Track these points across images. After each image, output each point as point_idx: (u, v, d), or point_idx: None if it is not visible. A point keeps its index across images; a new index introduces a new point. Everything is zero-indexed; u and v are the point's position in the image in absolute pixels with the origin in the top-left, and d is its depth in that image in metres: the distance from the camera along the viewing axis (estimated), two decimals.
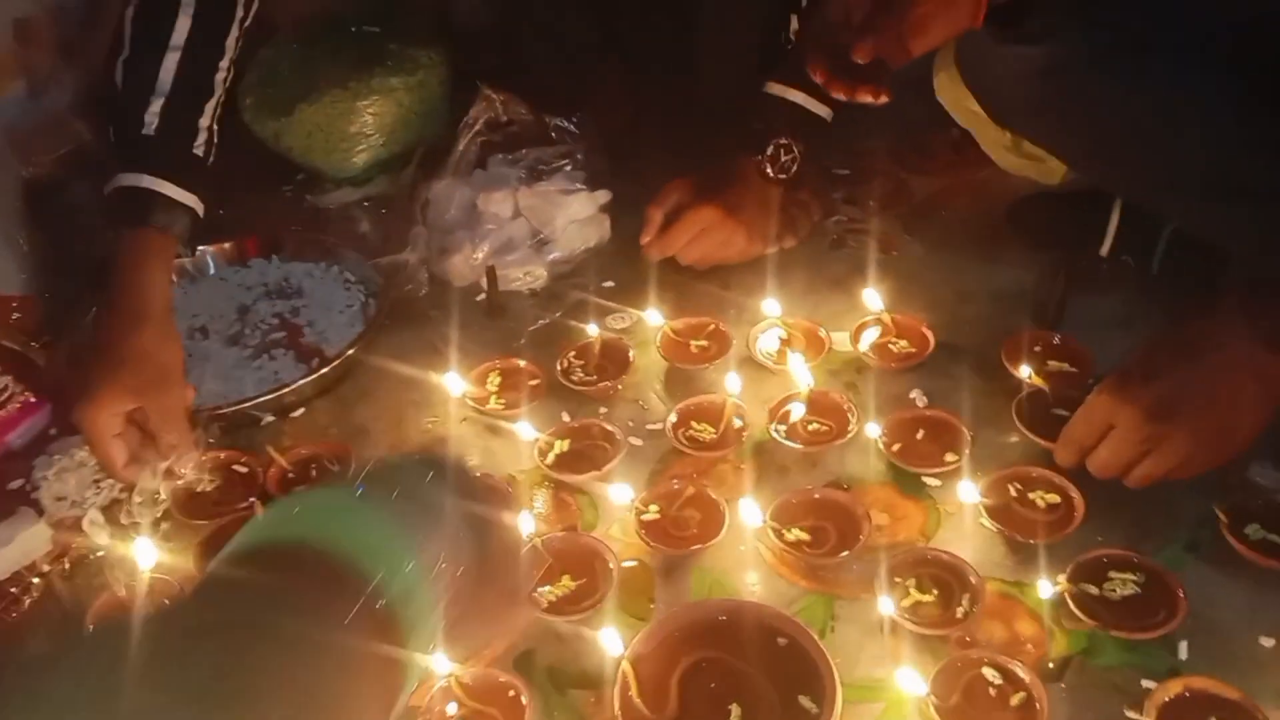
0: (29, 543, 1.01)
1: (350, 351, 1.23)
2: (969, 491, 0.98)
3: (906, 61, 1.00)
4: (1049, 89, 1.14)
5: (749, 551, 0.98)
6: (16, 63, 1.75)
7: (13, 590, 0.99)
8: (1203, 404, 0.89)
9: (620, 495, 1.01)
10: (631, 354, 1.20)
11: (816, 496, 0.99)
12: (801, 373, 1.11)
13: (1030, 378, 1.08)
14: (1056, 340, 1.14)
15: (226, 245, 1.43)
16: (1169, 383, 0.90)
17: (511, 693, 0.84)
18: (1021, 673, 0.81)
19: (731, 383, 1.12)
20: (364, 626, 0.52)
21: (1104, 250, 1.27)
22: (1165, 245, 1.23)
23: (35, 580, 1.00)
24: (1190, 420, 0.89)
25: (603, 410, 1.16)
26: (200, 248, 1.40)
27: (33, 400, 1.17)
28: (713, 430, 1.09)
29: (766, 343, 1.20)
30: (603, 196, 1.43)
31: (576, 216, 1.40)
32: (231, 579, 0.54)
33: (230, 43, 1.18)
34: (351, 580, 0.53)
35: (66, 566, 1.02)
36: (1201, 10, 1.09)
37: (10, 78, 1.75)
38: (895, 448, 1.05)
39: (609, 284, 1.36)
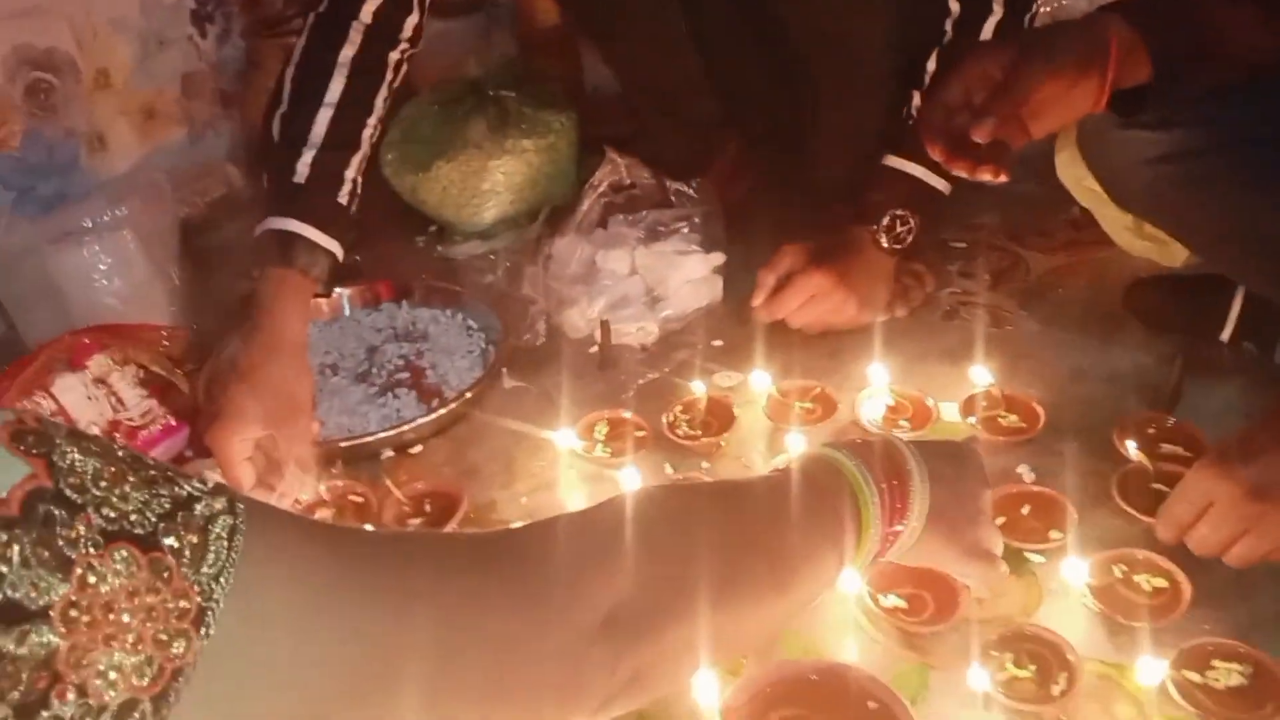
0: None
1: (468, 394, 1.28)
2: (1073, 569, 0.97)
3: (1026, 142, 1.01)
4: (1171, 175, 1.14)
5: (844, 616, 0.98)
6: (181, 112, 1.91)
7: None
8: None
9: None
10: (736, 412, 1.22)
11: (916, 565, 0.99)
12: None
13: (1140, 459, 1.07)
14: (1170, 424, 1.12)
15: (361, 289, 1.52)
16: (1269, 462, 0.89)
17: None
18: None
19: (795, 443, 1.14)
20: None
21: (1225, 336, 1.24)
22: None
23: None
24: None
25: (705, 465, 1.18)
26: (336, 290, 1.49)
27: (173, 423, 1.26)
28: None
29: (872, 409, 1.21)
30: (717, 259, 1.47)
31: (690, 277, 1.44)
32: None
33: (379, 102, 1.26)
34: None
35: None
36: None
37: (175, 125, 1.91)
38: (1000, 521, 1.04)
39: (718, 343, 1.40)
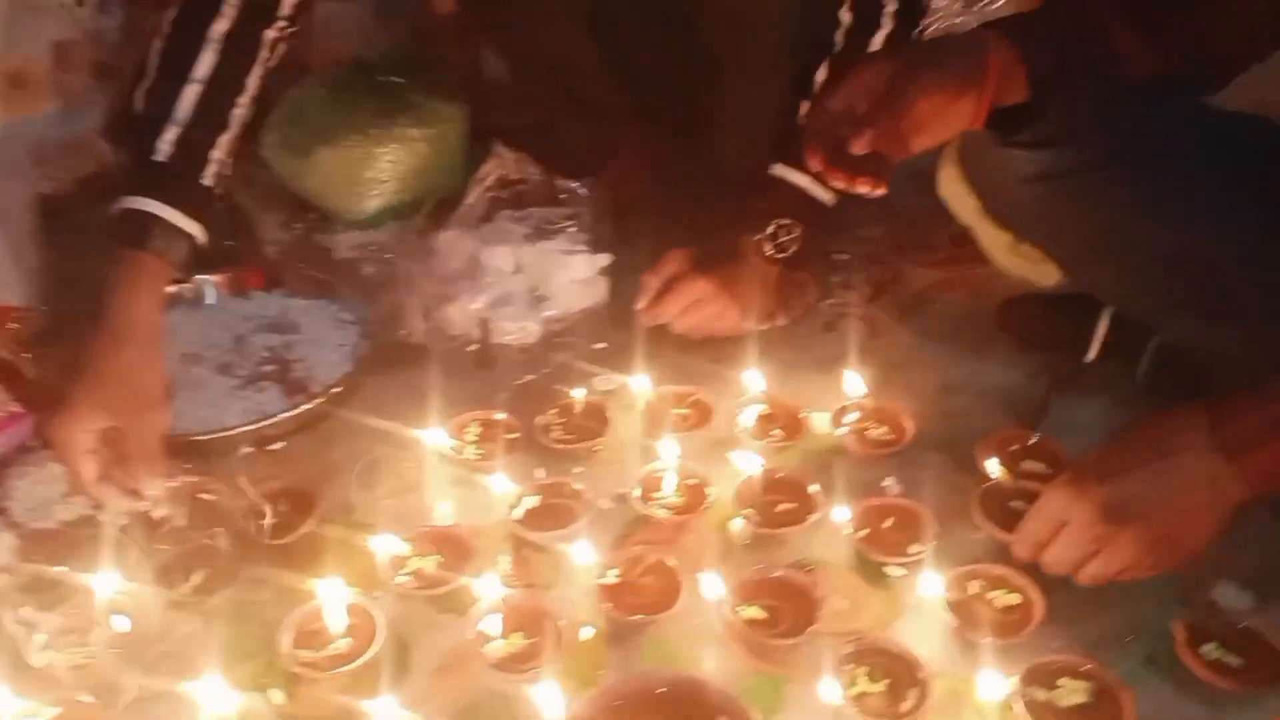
0: None
1: (335, 390, 1.24)
2: (931, 584, 0.98)
3: (905, 156, 1.01)
4: (1045, 192, 1.16)
5: (705, 625, 0.97)
6: (52, 84, 1.80)
7: None
8: (1154, 507, 0.89)
9: (582, 556, 1.01)
10: (611, 416, 1.21)
11: (777, 575, 0.99)
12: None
13: (1000, 475, 1.08)
14: (1034, 440, 1.14)
15: (229, 276, 1.46)
16: (1123, 483, 0.90)
17: None
18: None
19: (667, 450, 1.13)
20: None
21: (1090, 355, 1.27)
22: (1152, 355, 1.23)
23: None
24: (1141, 523, 0.89)
25: (577, 470, 1.16)
26: (202, 276, 1.43)
27: (17, 411, 1.19)
28: (679, 499, 1.09)
29: (746, 418, 1.21)
30: (603, 260, 1.45)
31: (575, 276, 1.42)
32: None
33: (251, 81, 1.21)
34: None
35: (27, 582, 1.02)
36: (1211, 128, 1.12)
37: (45, 98, 1.80)
38: (861, 534, 1.04)
39: (600, 345, 1.38)
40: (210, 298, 1.44)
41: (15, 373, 1.22)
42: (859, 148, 0.99)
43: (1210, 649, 0.91)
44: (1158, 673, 0.91)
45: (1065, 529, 0.93)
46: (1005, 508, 1.04)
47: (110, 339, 1.07)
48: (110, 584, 0.99)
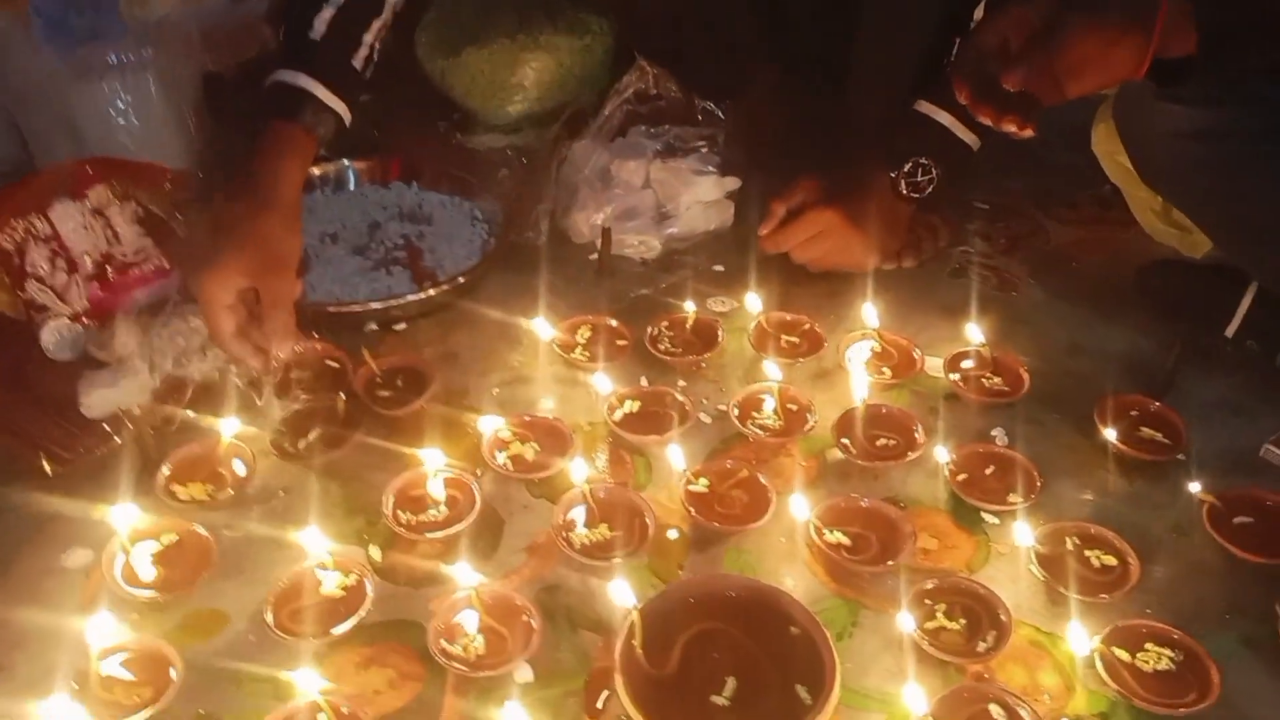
0: (131, 389, 1.09)
1: (461, 280, 1.28)
2: (1024, 534, 0.96)
3: (1060, 101, 0.97)
4: (1200, 153, 1.11)
5: (789, 545, 0.98)
6: None
7: (105, 428, 1.07)
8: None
9: (675, 461, 1.03)
10: (720, 335, 1.21)
11: (866, 505, 0.99)
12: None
13: (1116, 440, 1.05)
14: (1154, 408, 1.10)
15: (371, 164, 1.51)
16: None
17: (525, 617, 0.87)
18: (1027, 717, 0.79)
19: (772, 371, 1.13)
20: None
21: (1230, 331, 1.21)
22: None
23: (129, 425, 1.08)
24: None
25: (681, 383, 1.17)
26: (346, 161, 1.49)
27: (165, 266, 1.26)
28: (778, 420, 1.09)
29: (858, 353, 1.20)
30: (731, 183, 1.44)
31: (702, 198, 1.42)
32: None
33: None
34: None
35: (159, 420, 1.09)
36: None
37: None
38: (960, 477, 1.03)
39: (719, 268, 1.38)
40: (351, 183, 1.50)
41: (168, 231, 1.29)
42: (1010, 83, 0.96)
43: None
44: (1252, 654, 0.88)
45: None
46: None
47: (255, 203, 1.12)
48: (233, 430, 1.06)
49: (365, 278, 1.32)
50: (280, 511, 1.01)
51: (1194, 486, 1.00)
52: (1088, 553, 0.95)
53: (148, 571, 0.92)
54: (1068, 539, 0.96)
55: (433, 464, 1.00)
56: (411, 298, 1.25)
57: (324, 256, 1.36)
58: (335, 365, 1.17)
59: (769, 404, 1.11)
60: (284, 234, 1.12)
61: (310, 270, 1.32)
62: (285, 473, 1.06)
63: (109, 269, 1.24)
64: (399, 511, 0.97)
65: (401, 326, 1.27)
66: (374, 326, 1.25)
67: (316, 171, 1.47)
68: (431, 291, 1.26)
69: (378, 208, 1.46)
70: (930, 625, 0.88)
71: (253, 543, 0.98)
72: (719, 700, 0.80)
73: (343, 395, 1.12)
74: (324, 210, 1.44)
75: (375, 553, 0.96)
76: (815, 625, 0.84)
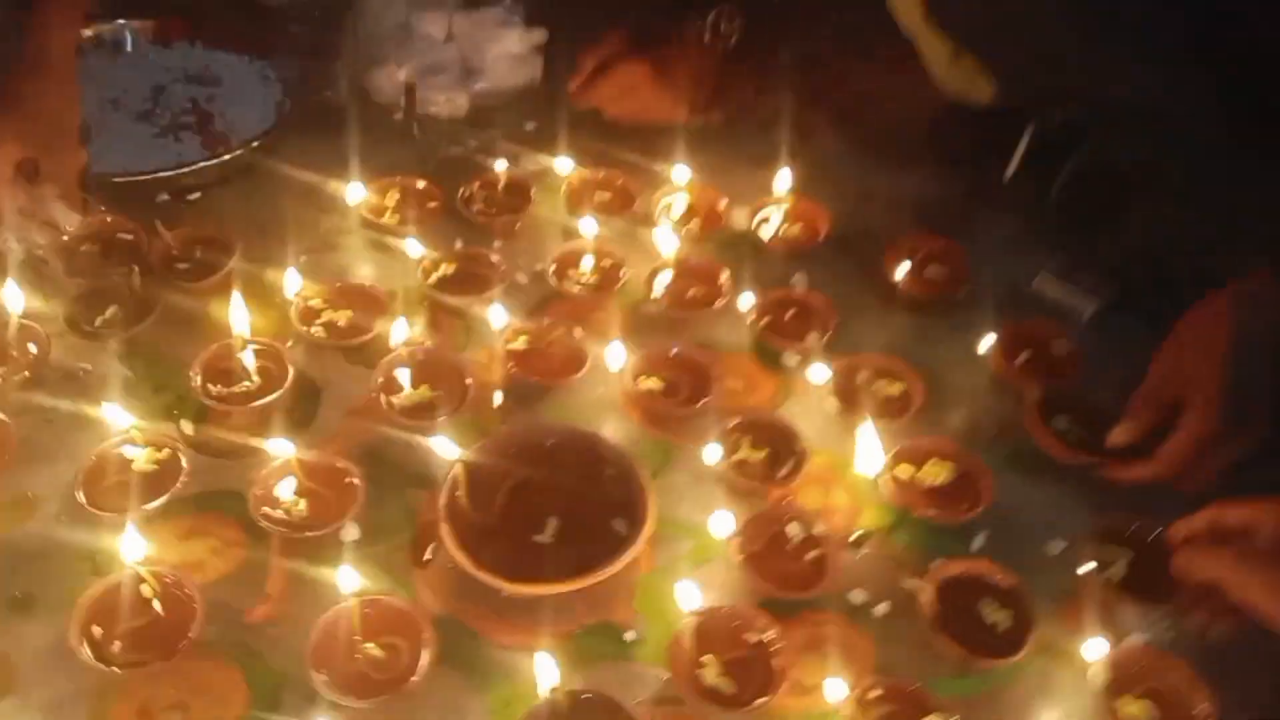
0: None
1: (255, 144, 1.22)
2: (820, 371, 1.03)
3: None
4: None
5: (606, 394, 1.02)
6: None
7: None
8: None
9: (495, 320, 1.04)
10: (533, 194, 1.21)
11: (677, 353, 1.03)
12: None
13: (905, 279, 1.13)
14: (940, 248, 1.18)
15: (151, 24, 1.40)
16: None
17: (348, 479, 0.88)
18: (821, 534, 0.87)
19: (588, 227, 1.15)
20: None
21: (1009, 173, 1.30)
22: (1066, 176, 1.26)
23: None
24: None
25: (496, 244, 1.17)
26: (122, 22, 1.38)
27: None
28: (593, 277, 1.12)
29: (668, 207, 1.23)
30: (538, 36, 1.42)
31: (509, 51, 1.39)
32: None
33: None
34: None
35: None
36: None
37: None
38: (764, 322, 1.09)
39: (530, 126, 1.37)
40: (129, 44, 1.39)
41: None
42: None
43: (1060, 421, 0.99)
44: (1021, 462, 0.98)
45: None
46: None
47: (25, 70, 1.04)
48: (19, 306, 1.00)
49: (153, 145, 1.25)
50: (82, 391, 0.98)
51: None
52: (878, 383, 1.03)
53: None
54: (860, 372, 1.04)
55: (239, 331, 0.98)
56: (203, 164, 1.19)
57: (107, 125, 1.27)
58: (128, 237, 1.11)
59: (587, 262, 1.13)
60: (59, 102, 1.06)
61: (92, 140, 1.23)
62: (85, 352, 1.02)
63: None
64: (209, 385, 0.96)
65: (196, 196, 1.21)
66: (166, 197, 1.19)
67: (89, 33, 1.35)
68: (225, 157, 1.21)
69: (160, 70, 1.37)
70: (736, 456, 0.94)
71: (56, 424, 0.95)
72: (541, 539, 0.85)
73: (137, 269, 1.07)
74: (102, 75, 1.34)
75: (187, 427, 0.95)
76: (629, 465, 0.89)
